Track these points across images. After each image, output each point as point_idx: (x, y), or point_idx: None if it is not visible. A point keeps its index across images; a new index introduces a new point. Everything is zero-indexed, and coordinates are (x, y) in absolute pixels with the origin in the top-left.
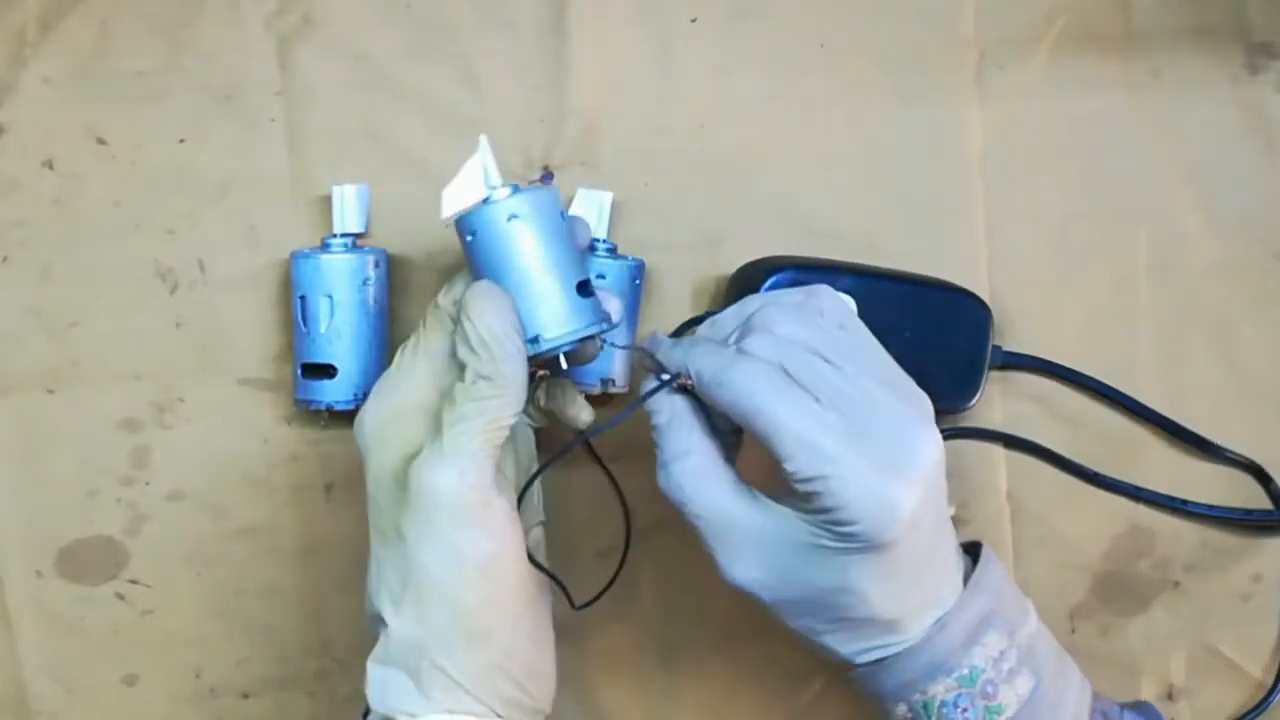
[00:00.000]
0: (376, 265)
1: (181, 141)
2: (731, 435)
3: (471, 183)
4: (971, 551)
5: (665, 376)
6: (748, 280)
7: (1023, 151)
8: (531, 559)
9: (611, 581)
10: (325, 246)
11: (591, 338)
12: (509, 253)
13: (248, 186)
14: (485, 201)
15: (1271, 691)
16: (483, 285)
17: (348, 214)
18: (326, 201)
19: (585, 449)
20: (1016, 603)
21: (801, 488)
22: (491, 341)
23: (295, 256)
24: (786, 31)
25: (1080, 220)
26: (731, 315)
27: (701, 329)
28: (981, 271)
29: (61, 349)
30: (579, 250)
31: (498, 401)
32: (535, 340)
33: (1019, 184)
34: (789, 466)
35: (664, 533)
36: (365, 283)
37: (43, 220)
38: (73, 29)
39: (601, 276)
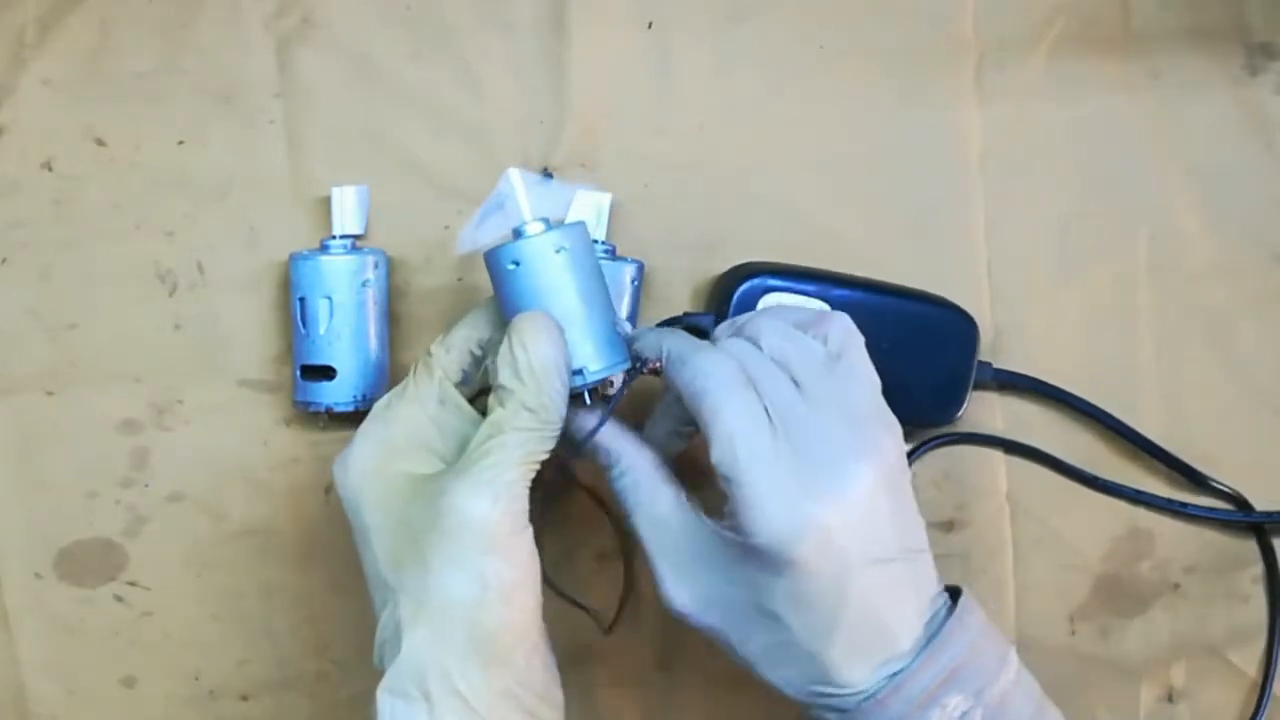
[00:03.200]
0: (376, 267)
1: (181, 143)
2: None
3: (500, 214)
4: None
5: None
6: (725, 286)
7: (1023, 152)
8: (561, 593)
9: (622, 604)
10: (325, 248)
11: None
12: (556, 285)
13: (247, 188)
14: (519, 235)
15: (1262, 695)
16: (536, 315)
17: (347, 215)
18: (326, 203)
19: (565, 478)
20: (993, 655)
21: (721, 484)
22: (541, 373)
23: (294, 258)
24: (785, 33)
25: (1080, 220)
26: (738, 321)
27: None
28: (981, 272)
29: (61, 350)
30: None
31: (540, 435)
32: (580, 373)
33: (1019, 184)
34: (714, 454)
35: None
36: (365, 284)
37: (42, 221)
38: (72, 30)
39: None
